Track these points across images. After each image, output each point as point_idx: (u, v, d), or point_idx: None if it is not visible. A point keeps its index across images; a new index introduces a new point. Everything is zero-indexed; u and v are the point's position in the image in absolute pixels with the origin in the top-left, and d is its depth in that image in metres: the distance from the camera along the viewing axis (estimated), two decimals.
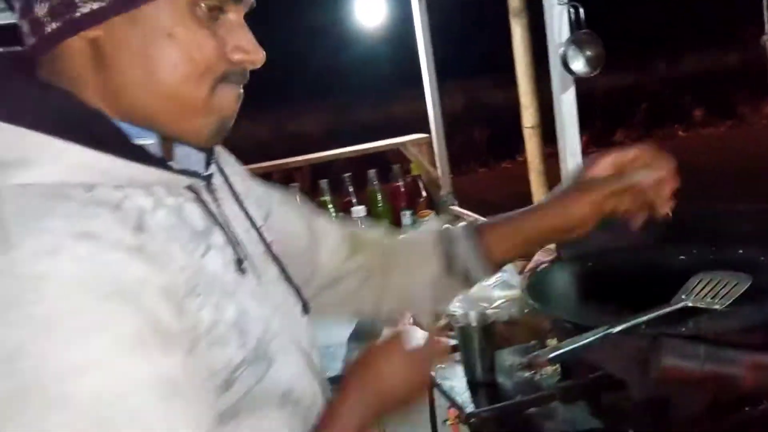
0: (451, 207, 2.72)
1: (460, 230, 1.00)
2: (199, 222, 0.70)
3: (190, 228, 0.68)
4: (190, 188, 0.71)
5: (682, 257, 1.36)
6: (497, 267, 1.02)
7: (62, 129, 0.62)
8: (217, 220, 0.73)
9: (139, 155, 0.65)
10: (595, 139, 11.97)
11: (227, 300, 0.68)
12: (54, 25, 0.63)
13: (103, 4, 0.62)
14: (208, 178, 0.74)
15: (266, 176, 2.57)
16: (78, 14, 0.63)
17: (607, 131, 12.10)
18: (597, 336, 0.97)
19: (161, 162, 0.67)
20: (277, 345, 0.73)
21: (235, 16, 0.69)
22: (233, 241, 0.73)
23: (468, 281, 0.99)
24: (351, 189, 2.56)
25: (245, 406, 0.68)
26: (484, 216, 2.54)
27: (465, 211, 2.64)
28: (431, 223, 1.10)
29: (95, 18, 0.63)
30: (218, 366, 0.65)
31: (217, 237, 0.72)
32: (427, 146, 2.79)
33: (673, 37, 12.09)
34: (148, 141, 0.67)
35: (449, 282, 0.99)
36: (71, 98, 0.65)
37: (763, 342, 0.82)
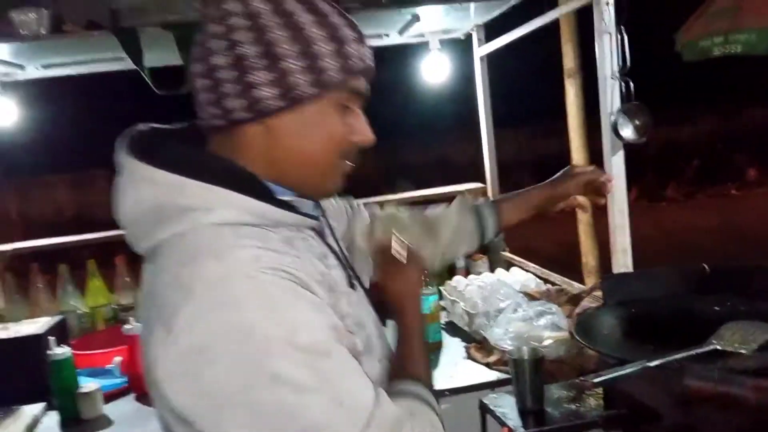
0: (502, 252, 2.90)
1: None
2: (317, 248, 0.96)
3: (318, 251, 0.95)
4: (312, 228, 0.97)
5: (716, 308, 1.52)
6: (509, 227, 1.49)
7: (234, 186, 0.87)
8: (331, 248, 0.99)
9: (282, 205, 0.91)
10: (645, 193, 11.97)
11: (348, 304, 0.93)
12: (243, 114, 0.88)
13: (282, 104, 0.88)
14: (317, 219, 0.99)
15: None
16: (266, 109, 0.88)
17: (658, 185, 12.09)
18: (636, 368, 1.15)
19: (295, 209, 0.93)
20: (374, 342, 0.99)
21: (357, 107, 0.95)
22: (344, 263, 1.00)
23: (484, 238, 1.43)
24: None
25: None
26: (532, 261, 2.72)
27: (515, 257, 2.82)
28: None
29: (277, 112, 0.88)
30: (349, 347, 0.86)
31: (332, 260, 0.98)
32: (482, 194, 2.99)
33: (727, 98, 12.08)
34: (287, 197, 0.93)
35: (475, 238, 1.42)
36: (235, 164, 0.90)
37: None
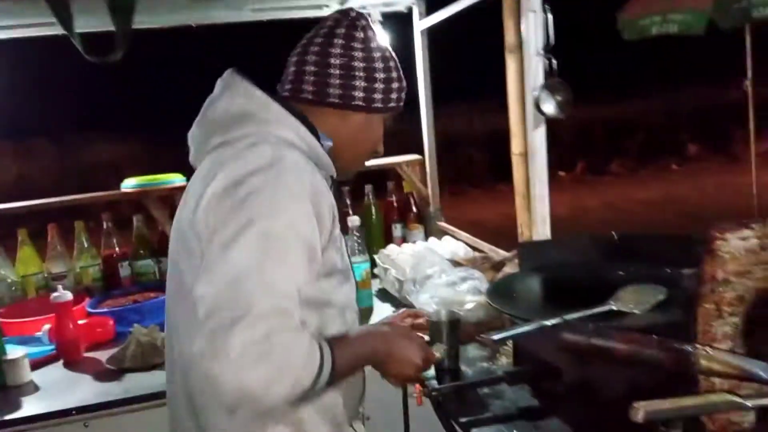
0: (439, 222, 2.98)
1: None
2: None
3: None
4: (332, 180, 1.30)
5: (621, 273, 1.62)
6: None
7: (300, 122, 1.23)
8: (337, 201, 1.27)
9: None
10: (591, 167, 12.29)
11: (340, 236, 1.25)
12: (335, 101, 1.26)
13: (363, 105, 1.27)
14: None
15: None
16: (351, 105, 1.27)
17: (603, 160, 12.42)
18: (533, 327, 1.23)
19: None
20: (350, 279, 1.30)
21: (384, 128, 1.36)
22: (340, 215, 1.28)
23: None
24: (348, 201, 2.82)
25: (331, 299, 1.22)
26: (468, 232, 2.81)
27: (449, 227, 2.91)
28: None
29: (356, 109, 1.27)
30: (331, 261, 1.19)
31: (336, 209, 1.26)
32: (420, 166, 3.05)
33: (671, 76, 12.43)
34: (328, 144, 1.27)
35: None
36: (305, 114, 1.25)
37: (664, 336, 1.07)
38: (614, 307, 1.38)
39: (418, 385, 1.42)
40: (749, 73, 5.06)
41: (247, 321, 0.96)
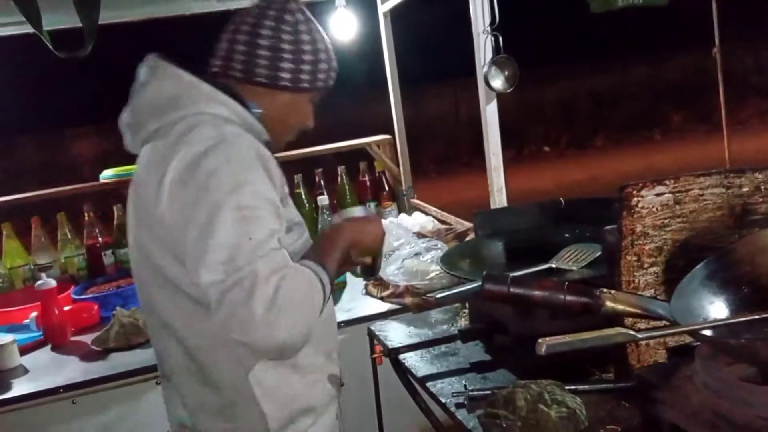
0: (411, 200, 3.09)
1: None
2: None
3: None
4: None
5: (567, 235, 1.73)
6: None
7: (230, 97, 1.28)
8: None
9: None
10: (575, 141, 12.40)
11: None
12: (262, 80, 1.31)
13: (290, 85, 1.33)
14: None
15: None
16: (279, 84, 1.32)
17: (587, 133, 12.53)
18: (473, 286, 1.34)
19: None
20: (304, 232, 1.38)
21: (314, 105, 1.42)
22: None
23: None
24: (322, 182, 2.92)
25: (294, 255, 1.25)
26: (452, 209, 2.91)
27: (421, 203, 3.01)
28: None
29: (283, 89, 1.33)
30: (287, 217, 1.26)
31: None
32: (390, 145, 3.15)
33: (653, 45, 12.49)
34: (257, 111, 1.32)
35: None
36: (233, 88, 1.31)
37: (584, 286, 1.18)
38: (554, 265, 1.49)
39: (377, 346, 1.53)
40: (717, 41, 5.13)
41: (258, 288, 1.08)
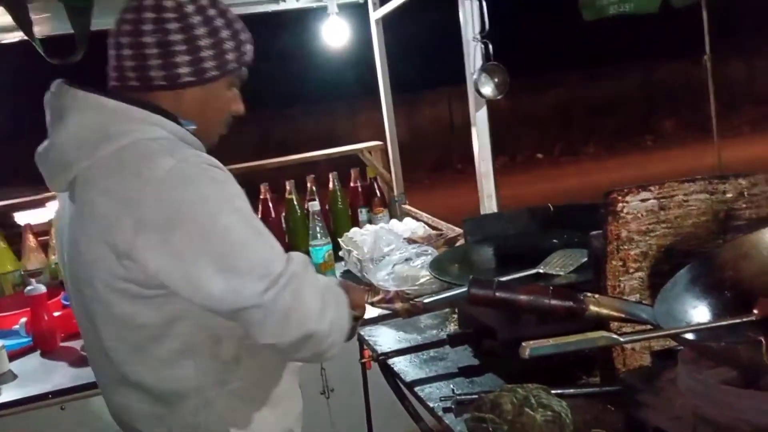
0: (402, 206, 3.10)
1: None
2: None
3: None
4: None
5: (555, 240, 1.74)
6: None
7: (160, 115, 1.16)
8: None
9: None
10: (568, 149, 12.45)
11: None
12: (161, 83, 1.16)
13: (193, 79, 1.17)
14: None
15: (247, 175, 2.97)
16: (180, 83, 1.17)
17: (580, 141, 12.59)
18: (460, 291, 1.35)
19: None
20: None
21: (236, 89, 1.27)
22: None
23: None
24: (314, 188, 2.93)
25: None
26: (431, 214, 2.93)
27: (412, 209, 3.02)
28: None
29: (188, 85, 1.18)
30: None
31: None
32: (382, 152, 3.16)
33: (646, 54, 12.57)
34: (191, 127, 1.20)
35: None
36: (162, 108, 1.18)
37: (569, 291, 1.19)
38: (542, 270, 1.50)
39: (366, 351, 1.53)
40: (707, 48, 5.19)
41: (304, 286, 1.11)
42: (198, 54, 1.16)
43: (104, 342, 1.17)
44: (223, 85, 1.23)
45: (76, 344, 2.16)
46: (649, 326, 1.06)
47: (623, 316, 1.02)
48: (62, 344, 2.20)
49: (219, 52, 1.18)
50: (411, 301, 1.32)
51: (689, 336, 0.97)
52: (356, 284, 1.44)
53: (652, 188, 1.25)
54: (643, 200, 1.25)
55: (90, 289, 1.13)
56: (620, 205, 1.24)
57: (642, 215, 1.25)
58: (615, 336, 0.95)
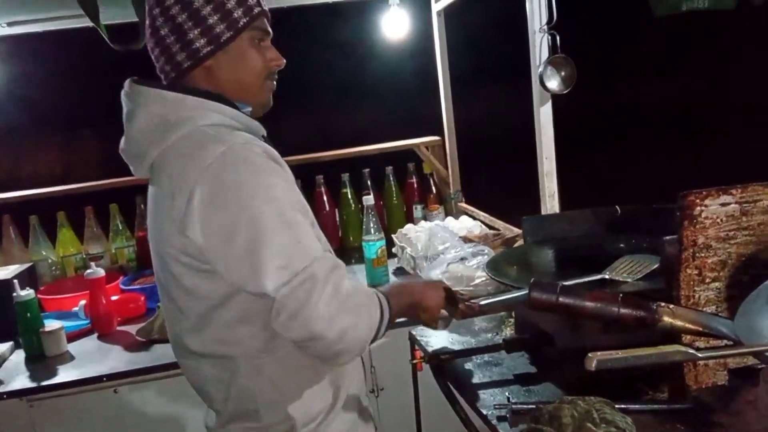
0: (459, 203, 3.03)
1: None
2: None
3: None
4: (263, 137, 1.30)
5: (622, 245, 1.65)
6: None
7: (215, 101, 1.22)
8: None
9: (248, 115, 1.27)
10: (631, 146, 12.04)
11: None
12: (188, 63, 1.23)
13: (211, 47, 1.22)
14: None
15: (304, 167, 2.97)
16: (202, 55, 1.23)
17: (647, 142, 12.15)
18: (519, 294, 1.28)
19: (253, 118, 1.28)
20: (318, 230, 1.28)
21: (267, 41, 1.30)
22: None
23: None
24: (369, 182, 2.89)
25: None
26: (487, 212, 2.85)
27: (468, 206, 2.95)
28: None
29: (210, 55, 1.23)
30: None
31: None
32: (439, 147, 3.10)
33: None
34: (248, 109, 1.27)
35: None
36: (208, 89, 1.25)
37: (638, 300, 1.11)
38: (607, 276, 1.42)
39: (417, 352, 1.48)
40: None
41: (318, 288, 1.10)
42: (205, 24, 1.22)
43: (177, 310, 1.26)
44: (246, 43, 1.26)
45: (132, 329, 2.19)
46: (727, 341, 0.97)
47: (700, 329, 0.94)
48: (119, 328, 2.24)
49: (224, 13, 1.23)
50: (466, 303, 1.26)
51: None
52: (433, 283, 1.41)
53: (733, 191, 1.16)
54: (723, 204, 1.16)
55: (163, 262, 1.23)
56: (698, 208, 1.15)
57: (722, 221, 1.16)
58: (692, 351, 0.87)
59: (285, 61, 1.31)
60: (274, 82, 1.33)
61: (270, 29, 1.30)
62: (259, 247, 1.10)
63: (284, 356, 1.22)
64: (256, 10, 1.26)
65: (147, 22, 1.26)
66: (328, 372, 1.29)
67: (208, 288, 1.18)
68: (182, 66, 1.24)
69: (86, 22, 2.52)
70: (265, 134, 1.32)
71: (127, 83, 1.27)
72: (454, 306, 1.39)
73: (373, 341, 1.19)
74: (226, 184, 1.12)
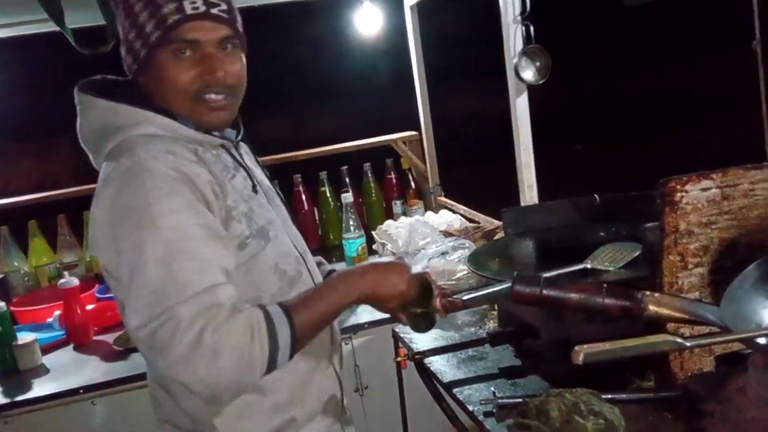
0: (438, 197, 3.01)
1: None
2: (230, 162, 1.22)
3: (223, 164, 1.19)
4: (223, 147, 1.22)
5: (602, 233, 1.64)
6: None
7: (153, 111, 1.16)
8: (240, 164, 1.23)
9: (190, 126, 1.18)
10: (611, 137, 12.15)
11: (241, 201, 1.18)
12: (130, 69, 1.20)
13: (135, 65, 1.18)
14: (236, 144, 1.26)
15: (280, 167, 2.93)
16: (132, 68, 1.20)
17: (622, 131, 12.27)
18: (502, 287, 1.26)
19: (202, 130, 1.19)
20: (274, 234, 1.21)
21: (198, 52, 1.16)
22: (250, 175, 1.24)
23: None
24: (347, 180, 2.86)
25: (254, 267, 1.16)
26: (467, 206, 2.84)
27: (448, 200, 2.93)
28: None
29: (137, 70, 1.19)
30: (236, 233, 1.13)
31: (241, 172, 1.23)
32: (417, 142, 3.08)
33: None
34: (187, 124, 1.18)
35: None
36: (152, 98, 1.19)
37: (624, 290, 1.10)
38: (589, 265, 1.40)
39: (401, 349, 1.46)
40: (757, 32, 4.96)
41: (179, 332, 0.98)
42: (128, 39, 1.18)
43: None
44: (167, 57, 1.15)
45: (109, 338, 2.14)
46: (713, 328, 0.96)
47: (687, 317, 0.93)
48: (95, 338, 2.19)
49: (139, 30, 1.15)
50: (449, 299, 1.24)
51: (762, 340, 0.87)
52: (392, 265, 1.23)
53: (714, 176, 1.15)
54: (704, 189, 1.15)
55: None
56: (679, 194, 1.14)
57: (703, 206, 1.15)
58: (680, 340, 0.86)
59: (221, 73, 1.16)
60: (219, 96, 1.18)
61: (202, 37, 1.15)
62: (132, 279, 1.03)
63: None
64: (172, 19, 1.13)
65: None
66: (277, 397, 1.19)
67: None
68: (129, 71, 1.22)
69: (52, 27, 2.46)
70: (234, 140, 1.25)
71: (75, 89, 1.23)
72: (428, 299, 1.23)
73: (272, 369, 1.05)
74: (120, 206, 1.06)
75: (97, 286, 2.49)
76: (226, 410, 1.16)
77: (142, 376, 1.85)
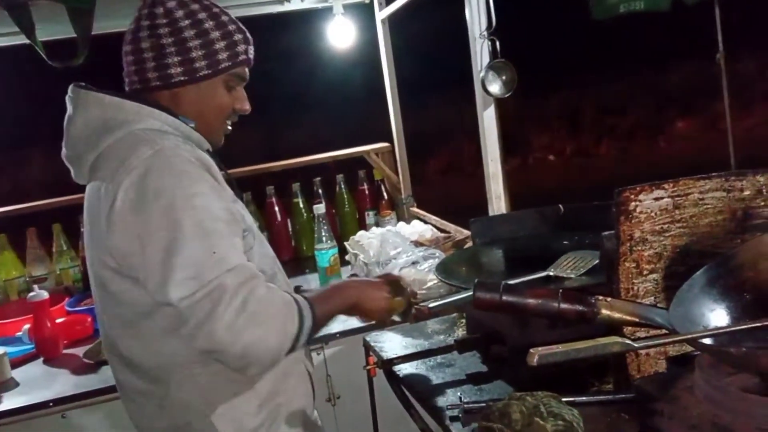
0: (411, 208, 3.05)
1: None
2: (215, 166, 1.27)
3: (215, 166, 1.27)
4: (208, 152, 1.30)
5: (566, 242, 1.69)
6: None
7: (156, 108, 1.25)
8: (222, 169, 1.30)
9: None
10: (580, 150, 12.34)
11: (231, 201, 1.25)
12: (157, 83, 1.27)
13: (185, 78, 1.26)
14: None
15: (253, 179, 2.94)
16: (173, 82, 1.27)
17: (592, 142, 12.47)
18: (466, 295, 1.30)
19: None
20: (255, 235, 1.31)
21: (240, 88, 1.35)
22: (231, 184, 1.32)
23: None
24: (320, 191, 2.89)
25: (249, 258, 1.22)
26: (439, 216, 2.88)
27: (420, 211, 2.97)
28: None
29: (181, 84, 1.27)
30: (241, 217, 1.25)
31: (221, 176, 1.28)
32: (389, 153, 3.12)
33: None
34: (191, 124, 1.29)
35: None
36: (160, 103, 1.28)
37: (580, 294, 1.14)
38: (552, 273, 1.45)
39: (371, 358, 1.49)
40: (720, 46, 5.11)
41: (225, 300, 1.08)
42: (188, 55, 1.25)
43: (103, 317, 1.27)
44: (220, 84, 1.30)
45: (79, 351, 2.13)
46: (664, 331, 1.01)
47: (637, 320, 0.97)
48: (66, 351, 2.17)
49: (209, 52, 1.26)
50: (416, 306, 1.27)
51: (707, 341, 0.92)
52: (373, 283, 1.37)
53: (666, 186, 1.20)
54: (656, 199, 1.20)
55: (93, 267, 1.24)
56: (633, 204, 1.19)
57: (656, 214, 1.20)
58: (629, 342, 0.90)
59: (250, 108, 1.36)
60: (230, 126, 1.37)
61: (247, 77, 1.34)
62: (171, 255, 1.10)
63: (219, 369, 1.21)
64: (241, 57, 1.30)
65: (132, 25, 1.29)
66: (265, 387, 1.27)
67: (134, 295, 1.18)
68: (150, 83, 1.27)
69: (23, 40, 2.45)
70: (211, 149, 1.33)
71: (70, 87, 1.28)
72: (404, 300, 1.36)
73: (291, 350, 1.18)
74: (149, 189, 1.12)
75: (66, 299, 2.47)
76: (218, 403, 1.24)
77: (112, 389, 1.85)
